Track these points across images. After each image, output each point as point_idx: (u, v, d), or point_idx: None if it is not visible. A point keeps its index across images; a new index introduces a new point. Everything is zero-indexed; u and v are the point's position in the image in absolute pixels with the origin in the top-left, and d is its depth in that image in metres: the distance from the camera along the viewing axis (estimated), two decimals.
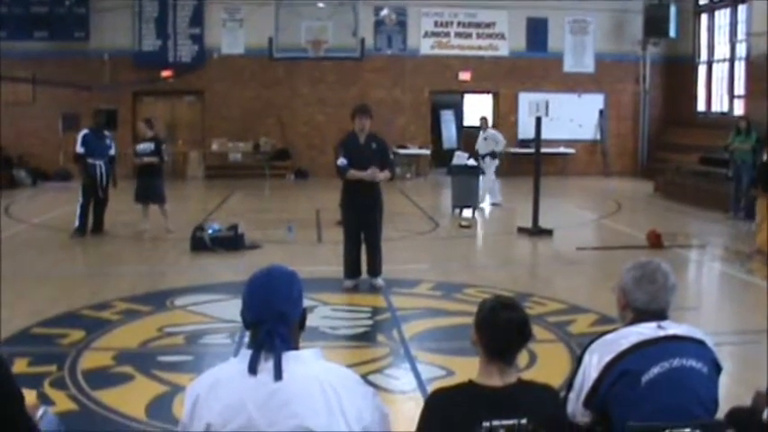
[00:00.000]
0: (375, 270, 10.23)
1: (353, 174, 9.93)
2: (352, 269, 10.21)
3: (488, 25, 26.21)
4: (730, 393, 5.26)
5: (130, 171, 23.68)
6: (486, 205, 18.53)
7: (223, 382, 2.92)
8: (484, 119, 19.56)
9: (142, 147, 14.46)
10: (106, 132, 14.81)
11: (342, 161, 9.98)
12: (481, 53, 26.27)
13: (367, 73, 25.65)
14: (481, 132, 19.33)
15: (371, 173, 9.90)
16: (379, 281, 10.19)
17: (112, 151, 14.59)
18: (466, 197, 17.06)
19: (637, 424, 3.43)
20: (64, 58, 24.25)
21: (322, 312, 9.00)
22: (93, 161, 14.16)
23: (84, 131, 14.52)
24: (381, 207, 10.26)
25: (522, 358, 6.71)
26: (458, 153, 18.72)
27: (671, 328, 3.65)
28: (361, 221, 10.15)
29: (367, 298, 9.71)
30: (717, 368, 3.66)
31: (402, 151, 25.31)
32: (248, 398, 2.85)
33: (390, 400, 5.95)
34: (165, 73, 24.66)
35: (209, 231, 12.88)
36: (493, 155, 18.86)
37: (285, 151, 25.55)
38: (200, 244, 12.69)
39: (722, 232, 15.47)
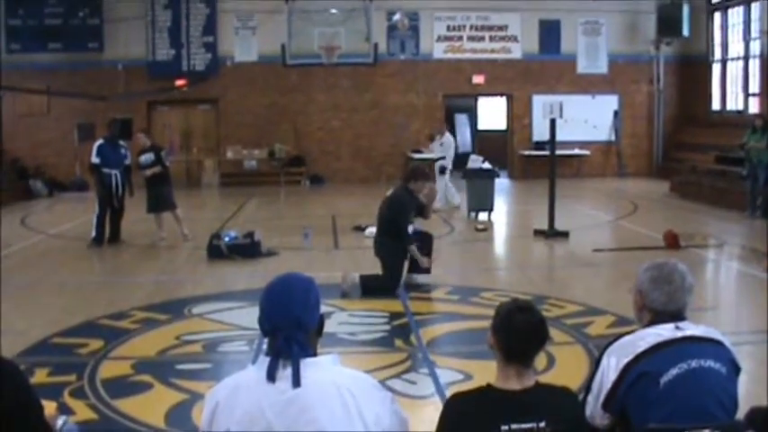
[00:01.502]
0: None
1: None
2: None
3: (501, 28, 26.20)
4: (749, 393, 5.24)
5: (143, 180, 23.98)
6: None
7: (242, 390, 2.93)
8: (441, 121, 19.47)
9: (144, 158, 14.47)
10: (121, 142, 14.83)
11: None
12: (494, 56, 26.25)
13: (381, 78, 25.67)
14: (437, 137, 19.30)
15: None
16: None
17: (128, 161, 14.63)
18: (481, 200, 17.03)
19: (656, 426, 3.43)
20: (78, 68, 24.37)
21: (339, 318, 9.01)
22: (109, 171, 14.21)
23: (100, 142, 14.56)
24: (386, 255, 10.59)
25: (541, 361, 6.70)
26: (473, 157, 18.69)
27: (689, 328, 3.64)
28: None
29: (384, 303, 9.70)
30: (735, 368, 3.65)
31: (416, 156, 25.28)
32: (267, 405, 2.86)
33: (409, 405, 5.94)
34: (179, 82, 24.71)
35: (226, 239, 12.91)
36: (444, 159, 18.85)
37: (300, 158, 25.60)
38: (216, 252, 12.72)
39: (739, 231, 15.39)
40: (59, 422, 3.84)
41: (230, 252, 12.65)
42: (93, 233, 14.13)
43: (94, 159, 14.27)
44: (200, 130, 26.17)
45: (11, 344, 7.50)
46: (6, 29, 24.25)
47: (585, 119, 25.80)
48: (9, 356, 3.84)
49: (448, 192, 18.94)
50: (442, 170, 18.45)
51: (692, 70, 26.24)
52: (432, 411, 5.27)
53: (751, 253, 12.75)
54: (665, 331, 3.61)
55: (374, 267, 10.54)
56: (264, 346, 3.13)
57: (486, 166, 17.73)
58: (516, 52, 26.35)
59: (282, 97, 25.69)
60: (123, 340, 8.22)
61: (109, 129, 15.10)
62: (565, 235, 14.34)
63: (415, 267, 10.54)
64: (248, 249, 12.78)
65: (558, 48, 26.45)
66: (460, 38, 26.18)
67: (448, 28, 26.13)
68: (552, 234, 14.34)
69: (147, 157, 14.43)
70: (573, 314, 8.96)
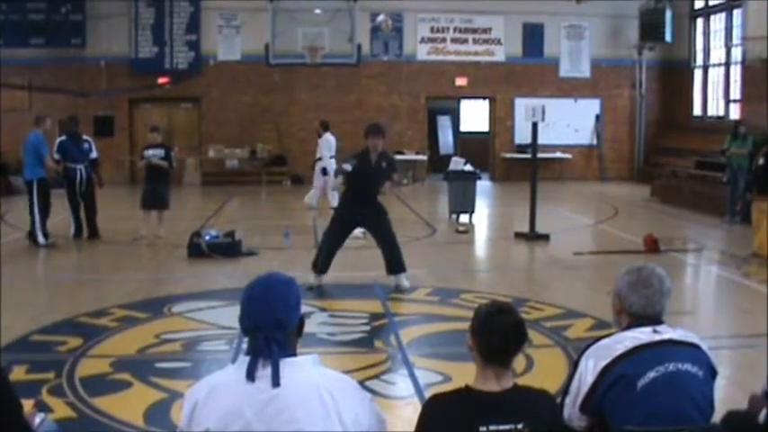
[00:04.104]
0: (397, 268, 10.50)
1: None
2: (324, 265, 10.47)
3: (485, 31, 26.26)
4: (727, 397, 5.28)
5: (128, 177, 23.85)
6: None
7: (221, 389, 2.93)
8: (323, 122, 19.40)
9: (152, 152, 14.47)
10: (85, 137, 14.93)
11: (346, 166, 10.37)
12: (478, 59, 26.32)
13: (364, 79, 25.70)
14: (328, 135, 19.07)
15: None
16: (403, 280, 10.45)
17: (94, 155, 14.78)
18: (463, 202, 17.06)
19: (633, 428, 3.45)
20: (60, 64, 24.30)
21: (319, 318, 9.01)
22: (74, 165, 14.31)
23: (61, 138, 14.70)
24: (384, 211, 10.64)
25: (519, 363, 6.72)
26: (454, 159, 18.69)
27: (666, 332, 3.67)
28: (370, 227, 10.64)
29: (364, 304, 9.70)
30: (712, 372, 3.69)
31: (399, 157, 25.30)
32: (246, 404, 2.86)
33: (388, 406, 5.95)
34: (162, 79, 24.68)
35: (207, 238, 12.88)
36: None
37: (282, 157, 25.58)
38: (197, 251, 12.68)
39: (718, 236, 15.49)
40: (37, 420, 3.83)
41: (211, 251, 12.62)
42: (72, 228, 14.41)
43: (55, 155, 14.42)
44: (183, 128, 26.11)
45: None
46: None
47: (568, 122, 25.97)
48: None
49: (329, 193, 18.82)
50: (324, 171, 18.14)
51: (674, 75, 26.40)
52: (410, 412, 5.29)
53: (730, 258, 12.83)
54: (642, 335, 3.64)
55: (355, 267, 10.56)
56: (244, 346, 3.13)
57: (468, 168, 17.73)
58: (499, 55, 26.43)
59: (265, 97, 25.68)
60: (102, 338, 8.19)
61: (70, 125, 15.08)
62: (546, 238, 14.39)
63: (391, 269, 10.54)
64: (229, 248, 12.75)
65: (541, 51, 26.54)
66: (444, 40, 26.24)
67: (431, 30, 26.18)
68: (533, 237, 14.38)
69: (157, 152, 14.44)
70: (552, 317, 8.99)
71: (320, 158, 18.76)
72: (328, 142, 18.82)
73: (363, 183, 10.27)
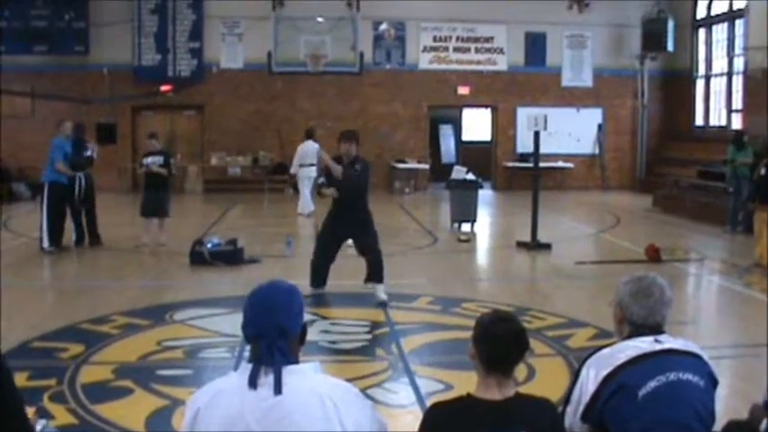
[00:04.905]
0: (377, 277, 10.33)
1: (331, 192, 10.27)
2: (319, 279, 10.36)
3: (487, 40, 26.29)
4: (728, 407, 5.28)
5: (131, 184, 23.86)
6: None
7: (223, 396, 2.94)
8: (308, 130, 19.42)
9: (151, 159, 14.48)
10: (87, 144, 14.90)
11: (321, 179, 10.64)
12: (480, 68, 26.34)
13: (366, 87, 25.70)
14: (309, 142, 19.09)
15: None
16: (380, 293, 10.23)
17: (88, 152, 14.75)
18: (465, 211, 17.05)
19: None
20: (63, 71, 24.34)
21: (321, 326, 9.00)
22: (74, 173, 14.24)
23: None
24: (369, 220, 10.41)
25: (521, 372, 6.72)
26: (456, 168, 18.67)
27: (667, 341, 3.68)
28: (352, 236, 10.44)
29: (366, 312, 9.70)
30: (713, 381, 3.70)
31: (401, 166, 25.36)
32: (248, 411, 2.87)
33: (389, 414, 5.95)
34: (165, 87, 24.69)
35: (209, 245, 12.88)
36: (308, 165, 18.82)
37: (284, 165, 25.53)
38: (199, 258, 12.68)
39: (720, 246, 15.49)
40: (39, 426, 3.85)
41: (213, 258, 12.62)
42: (74, 235, 14.30)
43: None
44: (185, 136, 26.12)
45: None
46: None
47: (569, 132, 25.97)
48: None
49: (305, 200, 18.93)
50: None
51: (676, 85, 26.42)
52: (412, 420, 5.28)
53: (732, 268, 12.83)
54: (644, 344, 3.65)
55: (356, 275, 10.56)
56: (246, 353, 3.13)
57: (470, 177, 17.72)
58: (502, 64, 26.45)
59: (267, 105, 25.70)
60: (104, 345, 8.19)
61: (76, 132, 14.92)
62: (547, 247, 14.38)
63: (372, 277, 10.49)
64: (231, 256, 12.75)
65: (543, 60, 26.58)
66: (446, 49, 26.26)
67: (434, 38, 26.21)
68: (535, 246, 14.37)
69: (156, 160, 14.45)
70: (554, 326, 8.99)
71: (301, 165, 18.85)
72: (304, 150, 18.80)
73: (339, 190, 10.21)
